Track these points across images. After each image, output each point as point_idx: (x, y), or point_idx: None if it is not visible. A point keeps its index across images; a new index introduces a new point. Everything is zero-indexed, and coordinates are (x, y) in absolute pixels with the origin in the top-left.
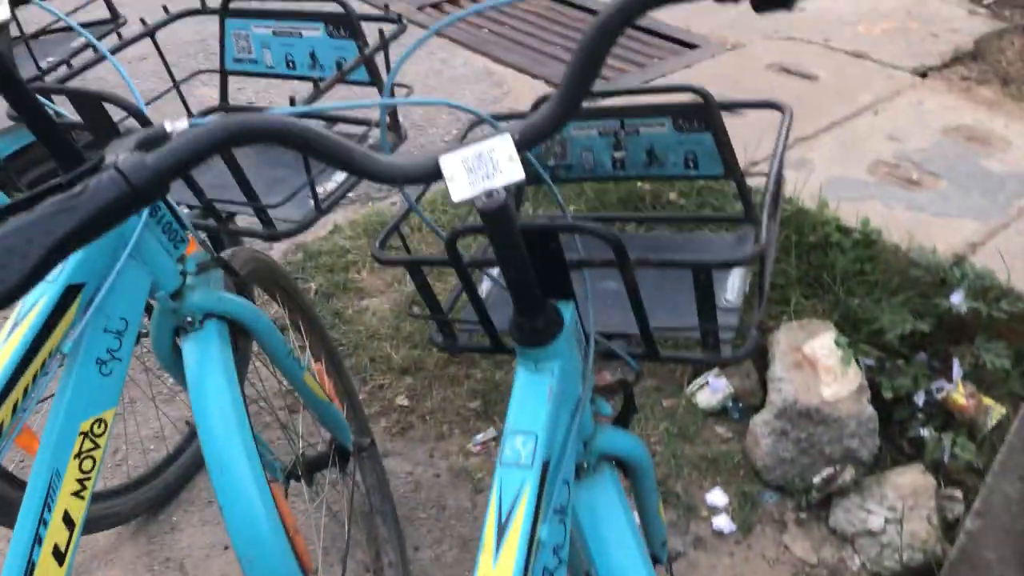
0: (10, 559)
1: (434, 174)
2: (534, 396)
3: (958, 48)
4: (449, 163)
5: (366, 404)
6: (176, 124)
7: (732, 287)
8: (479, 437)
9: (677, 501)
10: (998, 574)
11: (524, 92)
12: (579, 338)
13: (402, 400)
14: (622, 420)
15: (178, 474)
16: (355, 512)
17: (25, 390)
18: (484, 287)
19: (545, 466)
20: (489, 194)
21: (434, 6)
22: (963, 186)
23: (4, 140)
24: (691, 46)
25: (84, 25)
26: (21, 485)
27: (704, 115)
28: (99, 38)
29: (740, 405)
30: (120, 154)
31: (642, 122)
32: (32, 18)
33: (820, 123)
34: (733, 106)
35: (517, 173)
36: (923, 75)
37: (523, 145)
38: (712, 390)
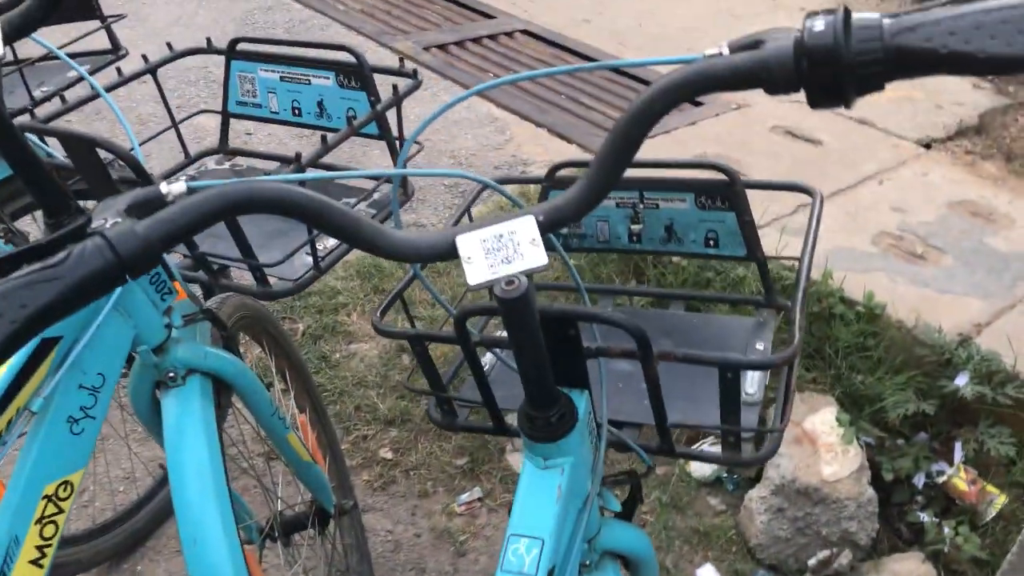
0: None
1: (449, 253)
2: (542, 497)
3: (962, 121)
4: (467, 243)
5: (348, 455)
6: (172, 187)
7: (754, 380)
8: (464, 497)
9: None
10: None
11: (526, 139)
12: (591, 429)
13: (386, 453)
14: (627, 512)
15: (147, 520)
16: (331, 571)
17: None
18: (486, 359)
19: (550, 574)
20: (509, 281)
21: (440, 47)
22: (968, 263)
23: None
24: (696, 103)
25: (84, 55)
26: None
27: (728, 194)
28: (98, 69)
29: (735, 477)
30: (109, 218)
31: (662, 196)
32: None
33: (825, 190)
34: (759, 186)
35: (539, 258)
36: (927, 146)
37: (547, 228)
38: None
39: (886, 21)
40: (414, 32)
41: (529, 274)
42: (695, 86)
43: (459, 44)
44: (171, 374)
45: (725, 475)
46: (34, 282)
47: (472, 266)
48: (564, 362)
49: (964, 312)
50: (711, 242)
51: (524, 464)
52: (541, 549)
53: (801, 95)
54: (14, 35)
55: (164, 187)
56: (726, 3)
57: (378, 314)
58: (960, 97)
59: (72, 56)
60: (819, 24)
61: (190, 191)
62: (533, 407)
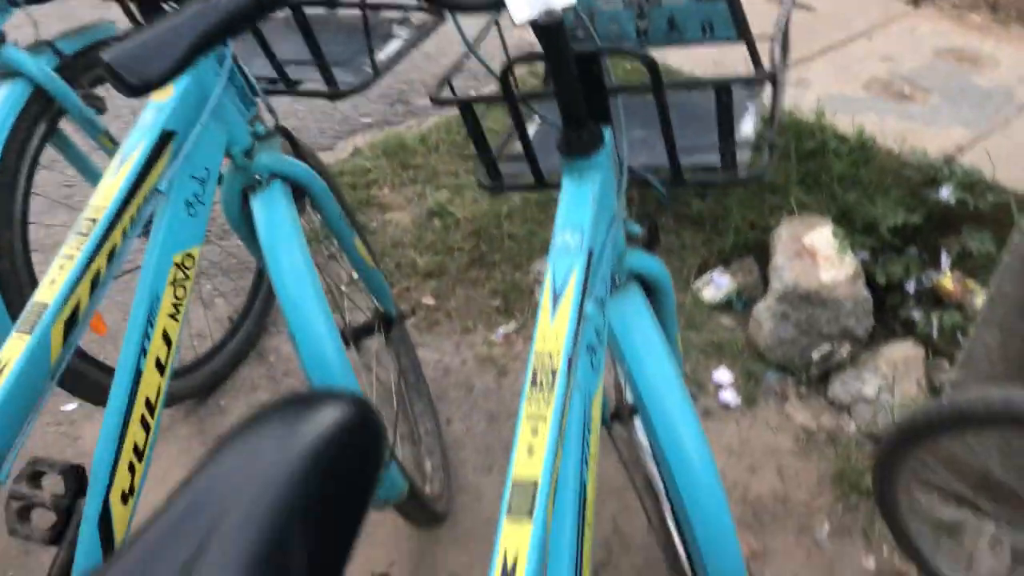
0: (120, 367)
1: (497, 1)
2: (579, 200)
3: None
4: None
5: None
6: None
7: (746, 123)
8: (501, 330)
9: (685, 380)
10: None
11: None
12: (615, 162)
13: (428, 300)
14: (648, 247)
15: (224, 362)
16: (400, 377)
17: (131, 219)
18: (529, 131)
19: (590, 254)
20: (548, 12)
21: None
22: (953, 100)
23: (75, 39)
24: None
25: None
26: (102, 367)
27: None
28: None
29: (743, 298)
30: None
31: None
32: None
33: (815, 48)
34: None
35: None
36: (916, 3)
37: None
38: (716, 286)
39: None
40: None
41: (563, 8)
42: None
43: None
44: (257, 178)
45: (734, 298)
46: (201, 12)
47: (516, 5)
48: (591, 99)
49: (948, 139)
50: (707, 30)
51: (564, 182)
52: (582, 235)
53: None
54: None
55: None
56: None
57: (435, 88)
58: None
59: None
60: None
61: None
62: (569, 128)
